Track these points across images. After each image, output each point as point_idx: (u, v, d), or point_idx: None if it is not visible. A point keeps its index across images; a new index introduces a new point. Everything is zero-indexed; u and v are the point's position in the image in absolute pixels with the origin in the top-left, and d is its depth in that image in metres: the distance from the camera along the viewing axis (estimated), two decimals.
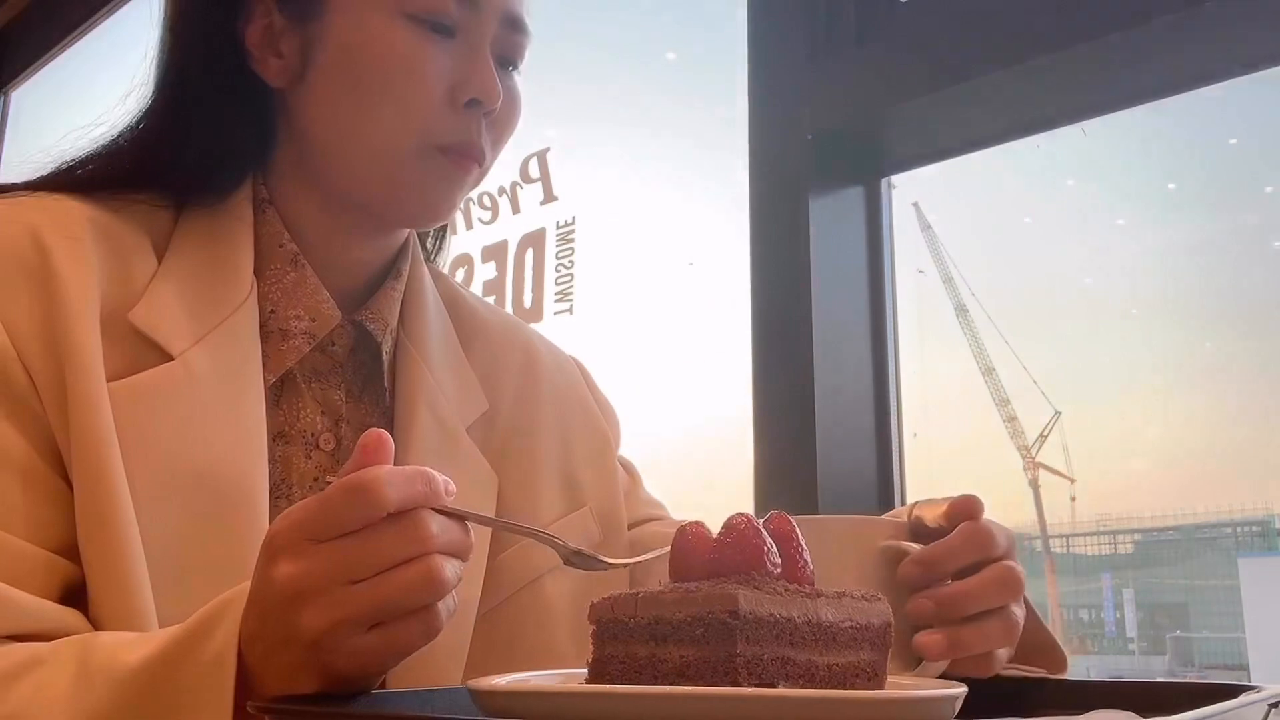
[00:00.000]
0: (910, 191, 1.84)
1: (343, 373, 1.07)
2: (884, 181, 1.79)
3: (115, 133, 1.05)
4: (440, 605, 0.72)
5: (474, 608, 1.05)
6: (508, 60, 1.05)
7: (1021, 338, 1.95)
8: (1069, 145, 1.68)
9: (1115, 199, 1.87)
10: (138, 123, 1.05)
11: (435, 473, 0.73)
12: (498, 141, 1.06)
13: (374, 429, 0.74)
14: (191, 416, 0.92)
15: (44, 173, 1.03)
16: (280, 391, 1.03)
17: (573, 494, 1.16)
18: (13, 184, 1.02)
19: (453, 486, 0.73)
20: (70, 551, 0.87)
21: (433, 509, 0.72)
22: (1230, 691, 0.73)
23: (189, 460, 0.91)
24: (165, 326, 0.94)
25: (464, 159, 1.01)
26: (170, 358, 0.93)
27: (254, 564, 0.91)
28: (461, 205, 1.08)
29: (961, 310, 1.99)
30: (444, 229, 1.25)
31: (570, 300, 2.34)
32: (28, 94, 3.79)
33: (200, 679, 0.72)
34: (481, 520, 0.76)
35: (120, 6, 3.24)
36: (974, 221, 2.01)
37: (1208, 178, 1.79)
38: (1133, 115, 1.56)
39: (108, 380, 0.89)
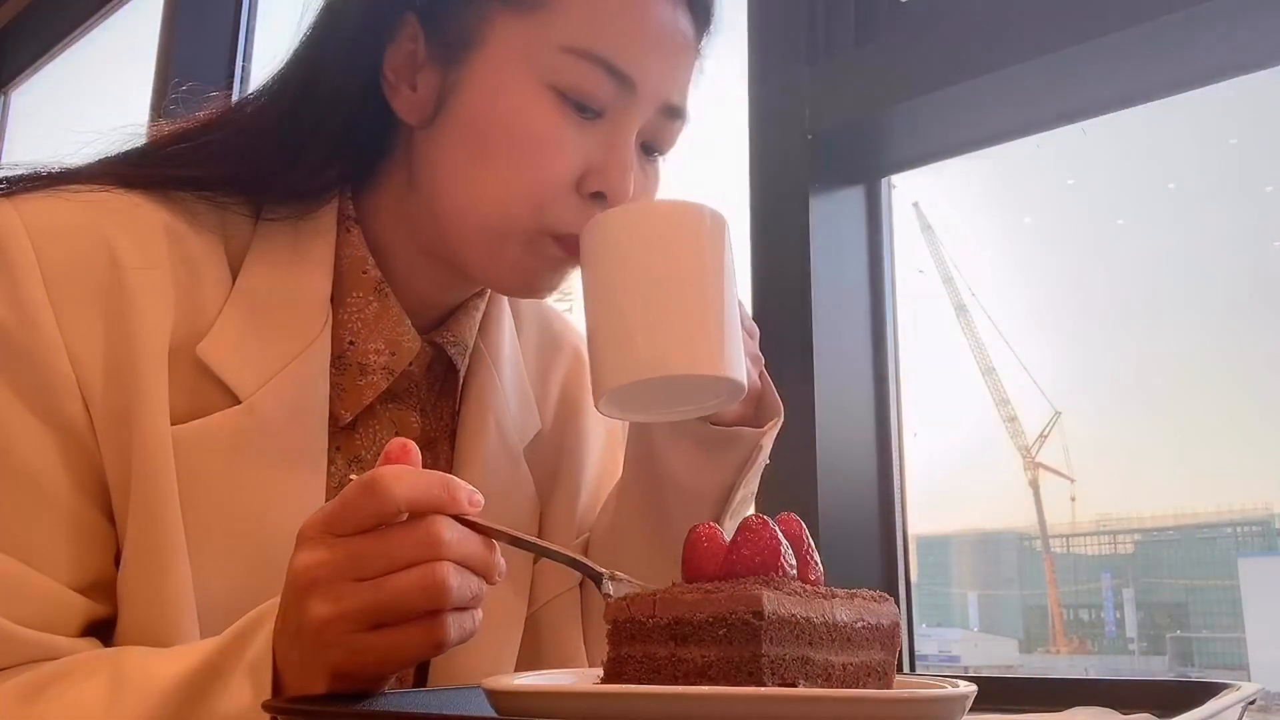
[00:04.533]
0: (910, 191, 1.84)
1: (417, 392, 1.03)
2: (884, 181, 1.80)
3: (206, 121, 0.98)
4: (449, 619, 0.71)
5: (522, 613, 1.05)
6: (655, 148, 0.98)
7: (1021, 338, 1.95)
8: (1069, 145, 1.68)
9: (1115, 199, 1.87)
10: (239, 117, 0.98)
11: (459, 482, 0.72)
12: None
13: (398, 438, 0.74)
14: (254, 469, 0.89)
15: (114, 151, 0.96)
16: (357, 416, 0.99)
17: (584, 519, 1.15)
18: (79, 170, 0.94)
19: (478, 498, 0.72)
20: (99, 590, 0.85)
21: (459, 520, 0.72)
22: (1208, 690, 0.74)
23: (247, 515, 0.88)
24: (233, 364, 0.89)
25: (575, 251, 0.92)
26: (236, 400, 0.89)
27: None
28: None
29: (961, 310, 1.99)
30: None
31: (570, 300, 2.33)
32: (28, 94, 3.78)
33: (241, 685, 0.72)
34: (501, 536, 0.76)
35: (120, 6, 3.23)
36: (974, 221, 2.01)
37: (1208, 178, 1.79)
38: (1133, 115, 1.56)
39: (172, 420, 0.86)
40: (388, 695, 0.75)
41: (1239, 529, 1.90)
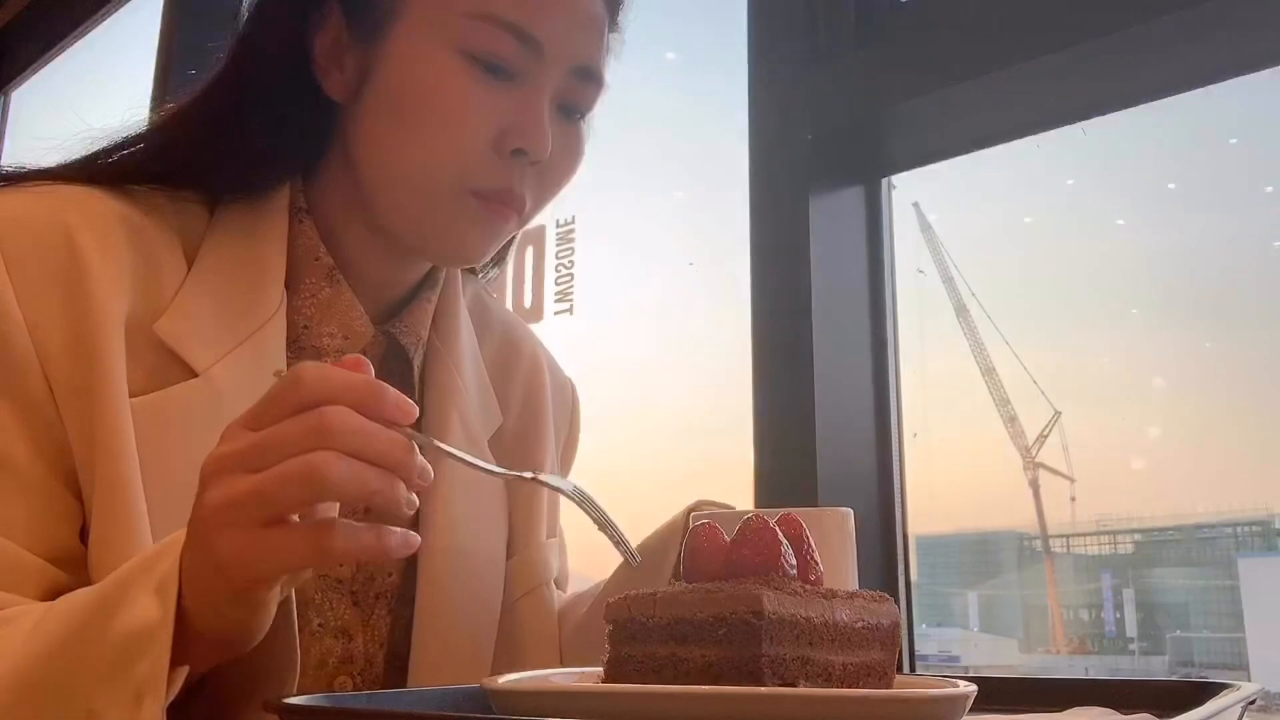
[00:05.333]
0: (910, 191, 1.84)
1: None
2: (884, 181, 1.80)
3: (159, 120, 1.02)
4: (339, 526, 0.69)
5: (497, 606, 1.06)
6: (574, 109, 1.02)
7: (1021, 338, 1.95)
8: (1069, 145, 1.68)
9: (1115, 199, 1.87)
10: (186, 113, 1.02)
11: (388, 388, 0.70)
12: (546, 191, 1.02)
13: (354, 354, 0.73)
14: (212, 438, 0.89)
15: (75, 157, 1.00)
16: None
17: (551, 521, 1.18)
18: (40, 170, 0.98)
19: (409, 407, 0.70)
20: (64, 561, 0.86)
21: (401, 429, 0.70)
22: (1208, 690, 0.74)
23: None
24: (190, 340, 0.92)
25: (501, 206, 0.98)
26: (194, 374, 0.91)
27: None
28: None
29: (961, 310, 1.99)
30: (493, 266, 1.24)
31: (570, 300, 2.34)
32: (28, 94, 3.78)
33: (147, 600, 0.70)
34: (450, 455, 0.74)
35: (120, 6, 3.23)
36: (974, 221, 2.01)
37: (1208, 178, 1.79)
38: (1133, 115, 1.56)
39: (131, 395, 0.87)
40: (390, 694, 0.74)
41: (1239, 529, 1.90)
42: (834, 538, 0.94)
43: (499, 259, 1.24)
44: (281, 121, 1.00)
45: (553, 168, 1.01)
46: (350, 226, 1.03)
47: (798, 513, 0.93)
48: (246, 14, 1.04)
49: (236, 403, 0.90)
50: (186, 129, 1.01)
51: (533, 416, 1.18)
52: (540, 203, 1.03)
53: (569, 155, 1.02)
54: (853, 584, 0.93)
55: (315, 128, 1.02)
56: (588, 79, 1.01)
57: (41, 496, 0.86)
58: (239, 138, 0.99)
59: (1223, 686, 0.76)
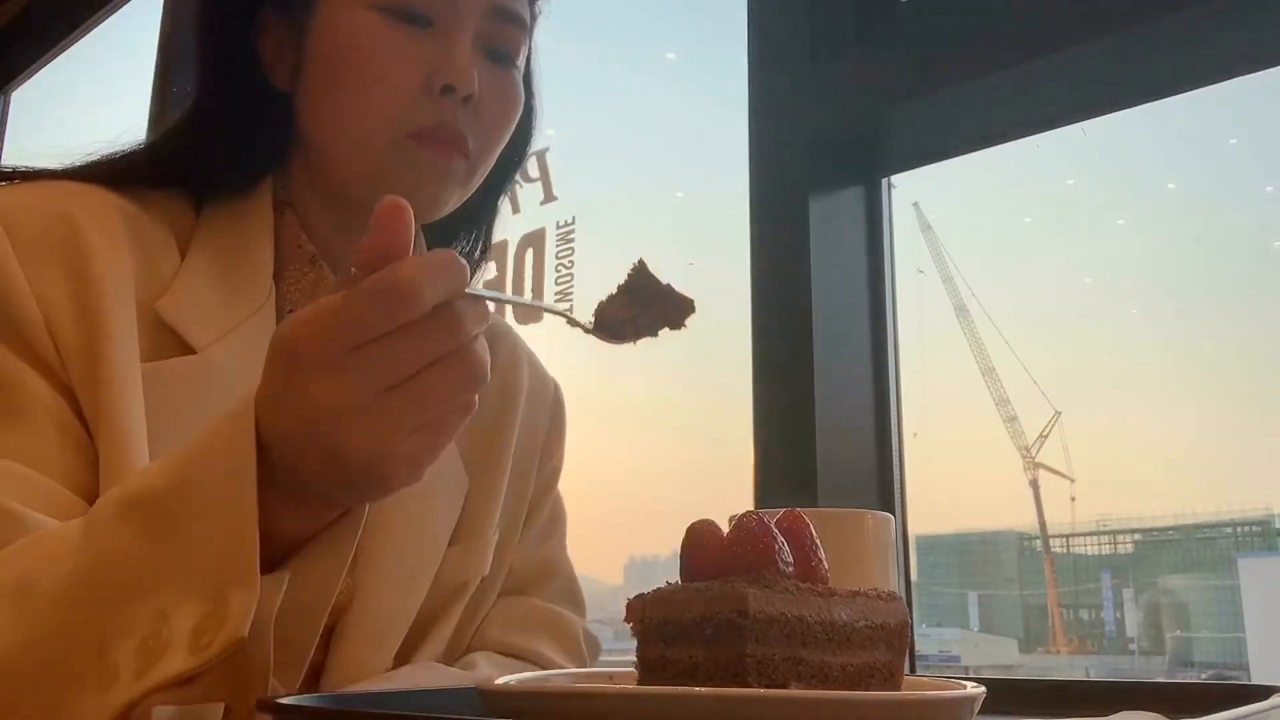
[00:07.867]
0: (910, 191, 1.84)
1: None
2: (884, 181, 1.79)
3: (142, 135, 1.08)
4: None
5: (424, 589, 1.07)
6: (500, 53, 1.05)
7: (1021, 338, 1.96)
8: (1069, 145, 1.68)
9: (1115, 199, 1.87)
10: (169, 126, 1.07)
11: (458, 258, 0.71)
12: (488, 134, 1.04)
13: (389, 196, 0.71)
14: (211, 408, 0.91)
15: (69, 164, 1.04)
16: None
17: (505, 516, 1.18)
18: (41, 169, 1.03)
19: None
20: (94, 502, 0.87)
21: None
22: (1261, 692, 0.73)
23: None
24: (190, 320, 0.96)
25: (439, 144, 1.00)
26: (193, 351, 0.95)
27: None
28: (450, 204, 1.06)
29: (961, 310, 1.99)
30: (481, 258, 1.25)
31: (570, 300, 2.34)
32: (28, 94, 3.78)
33: (220, 481, 0.71)
34: (503, 299, 0.75)
35: (120, 6, 3.23)
36: (974, 221, 2.01)
37: (1208, 178, 1.79)
38: (1133, 115, 1.56)
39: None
40: (378, 695, 0.74)
41: (1239, 529, 1.90)
42: (873, 542, 0.94)
43: (479, 252, 1.24)
44: (241, 125, 1.05)
45: (487, 109, 1.03)
46: (324, 212, 1.07)
47: (838, 513, 0.93)
48: (197, 36, 1.09)
49: (234, 383, 0.94)
50: (168, 139, 1.07)
51: (504, 404, 1.20)
52: (485, 149, 1.05)
53: (502, 98, 1.05)
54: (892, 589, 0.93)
55: (275, 125, 1.06)
56: (508, 20, 1.04)
57: (74, 441, 0.88)
58: (208, 144, 1.05)
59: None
